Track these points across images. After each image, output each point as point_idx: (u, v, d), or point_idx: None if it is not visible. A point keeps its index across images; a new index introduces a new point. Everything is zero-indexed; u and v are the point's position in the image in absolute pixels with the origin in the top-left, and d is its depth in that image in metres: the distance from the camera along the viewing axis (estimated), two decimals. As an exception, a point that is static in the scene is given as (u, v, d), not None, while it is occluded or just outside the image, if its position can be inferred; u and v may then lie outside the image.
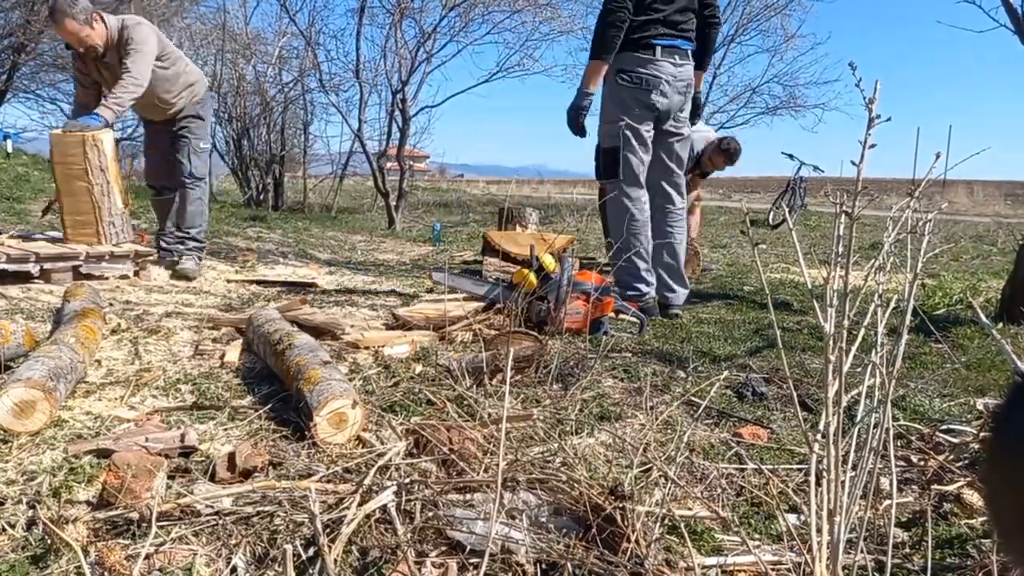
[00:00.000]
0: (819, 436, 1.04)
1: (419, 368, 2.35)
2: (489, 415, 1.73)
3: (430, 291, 3.93)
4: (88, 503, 1.36)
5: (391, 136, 9.71)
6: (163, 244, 4.23)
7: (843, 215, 1.05)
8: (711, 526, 1.36)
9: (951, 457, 1.68)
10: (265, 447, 1.62)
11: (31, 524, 1.26)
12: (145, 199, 7.78)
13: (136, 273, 3.87)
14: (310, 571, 1.14)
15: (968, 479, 1.57)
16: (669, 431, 1.86)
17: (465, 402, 1.90)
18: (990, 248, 8.02)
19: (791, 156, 10.74)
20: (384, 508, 1.26)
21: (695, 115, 3.68)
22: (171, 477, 1.45)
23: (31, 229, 4.40)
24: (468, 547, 1.18)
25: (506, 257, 4.70)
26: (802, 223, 10.65)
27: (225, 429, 1.79)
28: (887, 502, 1.38)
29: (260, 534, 1.24)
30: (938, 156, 1.07)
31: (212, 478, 1.47)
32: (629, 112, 3.39)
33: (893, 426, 1.39)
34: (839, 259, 1.06)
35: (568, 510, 1.24)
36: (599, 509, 1.18)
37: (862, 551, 1.12)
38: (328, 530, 1.20)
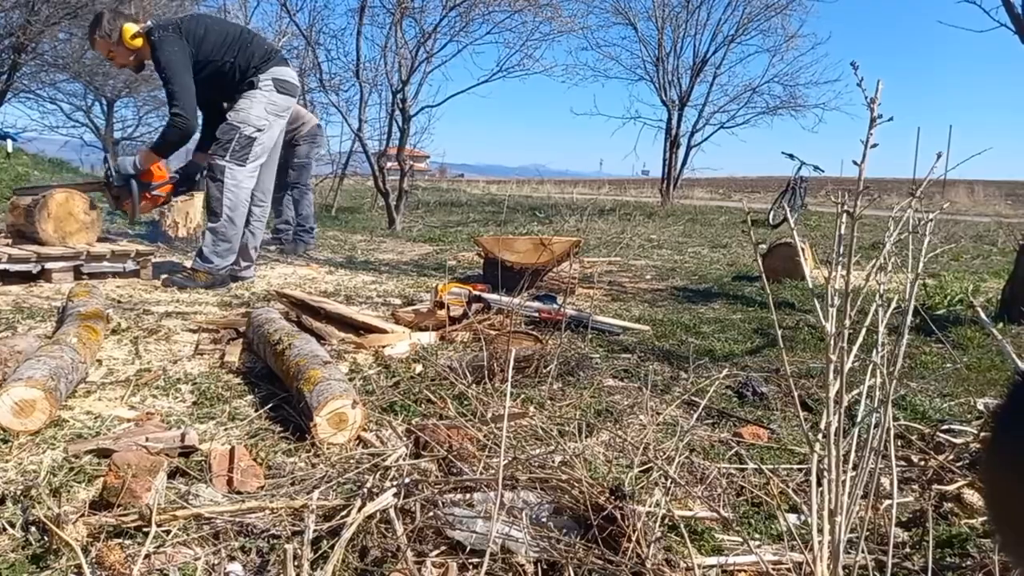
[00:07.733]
0: (820, 436, 1.04)
1: (419, 368, 2.35)
2: (489, 414, 1.73)
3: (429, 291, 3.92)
4: (88, 503, 1.36)
5: (391, 136, 9.70)
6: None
7: (844, 214, 1.05)
8: (711, 526, 1.36)
9: (951, 457, 1.68)
10: (264, 457, 1.62)
11: (31, 524, 1.26)
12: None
13: (137, 272, 3.88)
14: (311, 572, 1.13)
15: (968, 479, 1.57)
16: (669, 431, 1.86)
17: (465, 401, 1.90)
18: (990, 248, 8.00)
19: (791, 156, 10.74)
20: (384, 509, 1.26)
21: None
22: (171, 477, 1.44)
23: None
24: (468, 547, 1.18)
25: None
26: (803, 223, 10.63)
27: (225, 429, 1.79)
28: (887, 502, 1.38)
29: (260, 535, 1.24)
30: (939, 156, 1.07)
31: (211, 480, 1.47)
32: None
33: (893, 426, 1.39)
34: (840, 259, 1.06)
35: (568, 509, 1.24)
36: (599, 508, 1.18)
37: (863, 551, 1.12)
38: (328, 531, 1.20)
